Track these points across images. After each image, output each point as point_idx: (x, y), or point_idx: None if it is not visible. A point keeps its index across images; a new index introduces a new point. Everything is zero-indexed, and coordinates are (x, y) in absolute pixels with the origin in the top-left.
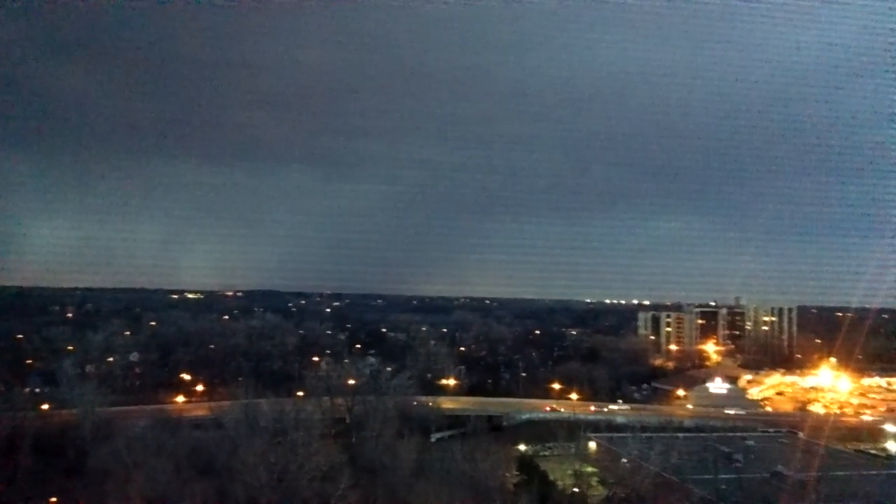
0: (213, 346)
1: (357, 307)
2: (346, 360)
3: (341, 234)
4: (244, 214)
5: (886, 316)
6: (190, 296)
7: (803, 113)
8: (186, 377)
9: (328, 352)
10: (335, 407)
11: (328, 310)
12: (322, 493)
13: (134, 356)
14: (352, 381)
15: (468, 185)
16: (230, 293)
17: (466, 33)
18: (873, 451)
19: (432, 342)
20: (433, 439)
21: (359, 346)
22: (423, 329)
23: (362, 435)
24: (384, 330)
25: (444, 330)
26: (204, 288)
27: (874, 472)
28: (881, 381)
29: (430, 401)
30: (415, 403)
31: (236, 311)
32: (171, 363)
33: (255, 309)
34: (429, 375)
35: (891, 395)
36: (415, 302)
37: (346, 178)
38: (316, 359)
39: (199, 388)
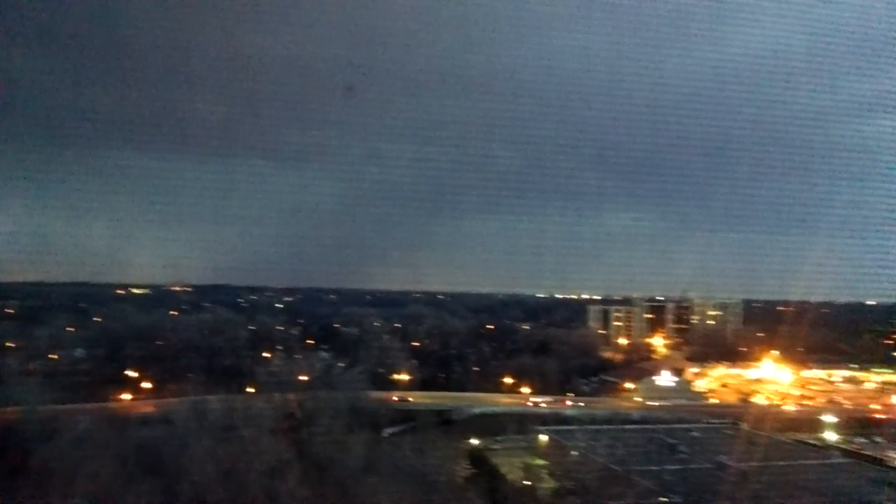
0: (161, 342)
1: (310, 302)
2: (297, 356)
3: (295, 227)
4: (193, 207)
5: (827, 310)
6: (136, 291)
7: (751, 110)
8: (134, 374)
9: (280, 347)
10: (286, 402)
11: (280, 305)
12: (271, 490)
13: (79, 352)
14: (303, 377)
15: (423, 180)
16: (179, 288)
17: (423, 27)
18: (812, 441)
19: (385, 337)
20: (385, 434)
21: (311, 340)
22: (377, 324)
23: (313, 430)
24: (337, 325)
25: (398, 324)
26: (151, 282)
27: (813, 462)
28: (821, 373)
29: (382, 395)
30: (367, 398)
31: (185, 306)
32: (118, 359)
33: (205, 304)
34: (381, 370)
35: (829, 387)
36: (368, 297)
37: (300, 171)
38: (267, 354)
39: (147, 384)
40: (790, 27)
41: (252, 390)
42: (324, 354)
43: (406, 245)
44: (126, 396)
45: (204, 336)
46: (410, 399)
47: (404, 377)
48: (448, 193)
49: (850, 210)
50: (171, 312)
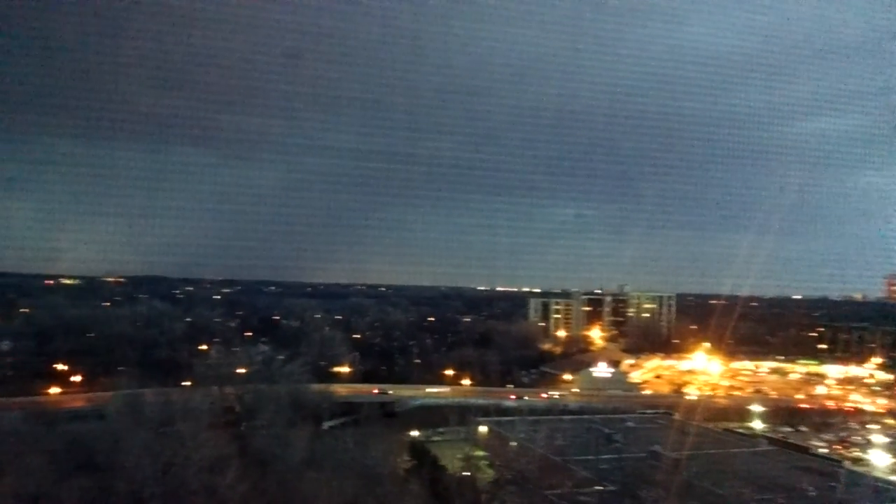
0: (93, 335)
1: (249, 294)
2: (236, 348)
3: (234, 218)
4: (127, 195)
5: (755, 304)
6: (66, 281)
7: (687, 112)
8: (64, 367)
9: (217, 339)
10: (224, 396)
11: (218, 297)
12: (210, 485)
13: (5, 345)
14: (242, 370)
15: (364, 171)
16: (112, 279)
17: (367, 21)
18: (740, 430)
19: (326, 329)
20: (325, 427)
21: (250, 333)
22: (318, 316)
23: (252, 424)
24: (277, 317)
25: (339, 317)
26: (83, 273)
27: (741, 450)
28: (749, 364)
29: (323, 388)
30: (307, 391)
31: (119, 298)
32: (47, 352)
33: (140, 295)
34: (322, 362)
35: (757, 378)
36: (309, 288)
37: (239, 160)
38: (204, 347)
39: (78, 378)
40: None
41: (189, 384)
42: (263, 347)
43: (348, 237)
44: (56, 390)
45: (138, 328)
46: (352, 391)
47: (346, 369)
48: (391, 186)
49: (777, 209)
50: (104, 304)
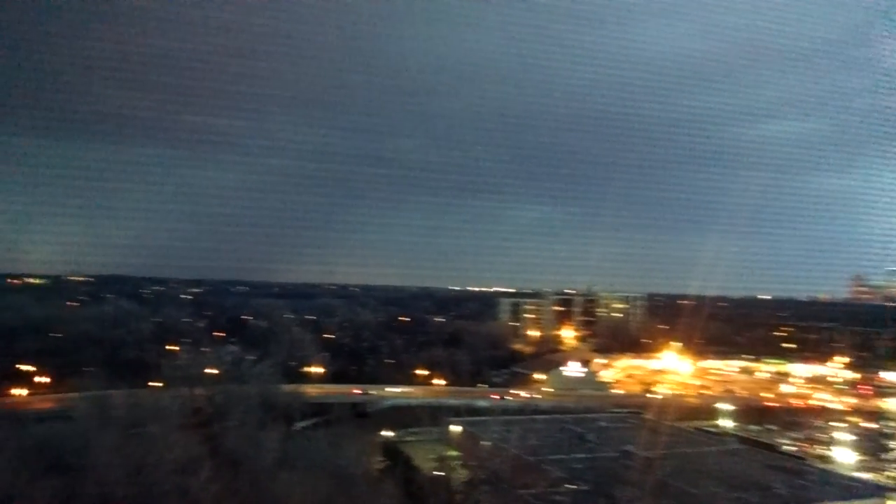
0: (59, 335)
1: (217, 294)
2: (205, 349)
3: (201, 217)
4: (93, 195)
5: (728, 303)
6: (32, 281)
7: (652, 115)
8: (30, 368)
9: (186, 340)
10: (194, 397)
11: (186, 296)
12: (181, 487)
13: None
14: (212, 370)
15: (333, 171)
16: (78, 278)
17: (331, 17)
18: (710, 429)
19: (296, 329)
20: (297, 428)
21: (219, 333)
22: (287, 316)
23: (223, 425)
24: (246, 317)
25: (309, 317)
26: (48, 272)
27: (711, 448)
28: (718, 364)
29: (293, 389)
30: (278, 392)
31: (85, 298)
32: (12, 353)
33: (107, 295)
34: (293, 363)
35: (726, 377)
36: (278, 289)
37: (207, 159)
38: (173, 347)
39: (45, 379)
40: (687, 35)
41: (158, 384)
42: (233, 347)
43: (318, 237)
44: (22, 392)
45: (106, 328)
46: (323, 392)
47: (316, 370)
48: (361, 186)
49: (743, 211)
50: (71, 303)
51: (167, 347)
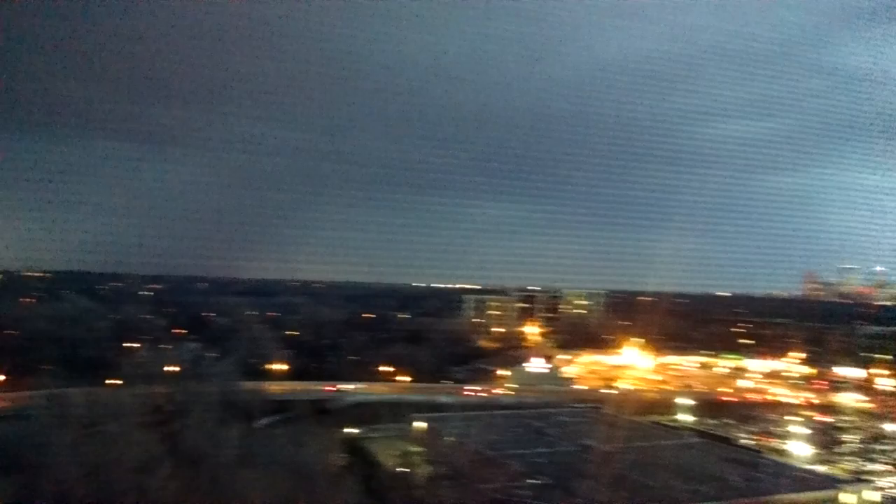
0: (13, 332)
1: (178, 290)
2: (165, 346)
3: (162, 212)
4: (48, 189)
5: (687, 300)
6: None
7: (611, 111)
8: None
9: (146, 337)
10: (153, 395)
11: (146, 293)
12: (140, 486)
13: None
14: (172, 368)
15: (296, 166)
16: (34, 274)
17: (293, 14)
18: (669, 423)
19: (258, 326)
20: (258, 425)
21: (179, 330)
22: (249, 313)
23: (183, 423)
24: (207, 314)
25: (271, 313)
26: (2, 268)
27: (669, 442)
28: (676, 359)
29: (255, 386)
30: (239, 389)
31: (41, 294)
32: None
33: (63, 291)
34: (254, 360)
35: (684, 372)
36: (240, 285)
37: (168, 154)
38: (132, 345)
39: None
40: (645, 37)
41: (116, 382)
42: (193, 345)
43: (280, 234)
44: None
45: (62, 325)
46: (284, 389)
47: (278, 367)
48: (324, 183)
49: (702, 208)
50: (25, 300)
51: (126, 345)
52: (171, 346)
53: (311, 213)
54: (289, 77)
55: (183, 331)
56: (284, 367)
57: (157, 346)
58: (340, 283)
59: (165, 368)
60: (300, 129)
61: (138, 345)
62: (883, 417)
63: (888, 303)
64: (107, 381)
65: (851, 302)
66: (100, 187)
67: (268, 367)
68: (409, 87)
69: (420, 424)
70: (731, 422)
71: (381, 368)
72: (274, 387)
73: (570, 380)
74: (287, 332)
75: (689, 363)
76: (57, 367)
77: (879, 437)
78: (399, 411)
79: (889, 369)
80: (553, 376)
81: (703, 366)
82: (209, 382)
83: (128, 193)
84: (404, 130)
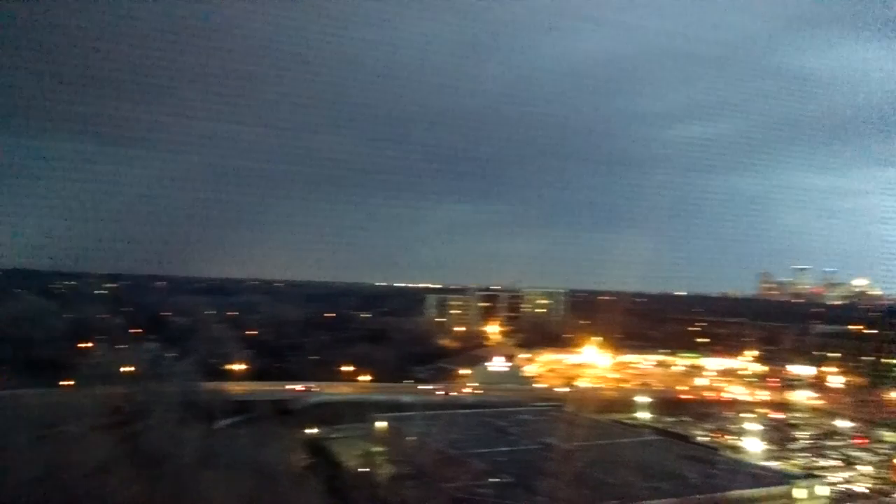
0: None
1: (135, 289)
2: (122, 346)
3: (118, 209)
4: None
5: (645, 299)
6: None
7: (572, 115)
8: None
9: (102, 337)
10: (111, 396)
11: (102, 292)
12: (96, 489)
13: None
14: (129, 368)
15: (257, 165)
16: None
17: (247, 11)
18: (628, 421)
19: (218, 326)
20: (219, 426)
21: (137, 330)
22: (209, 312)
23: (142, 424)
24: (165, 313)
25: (231, 313)
26: None
27: (628, 440)
28: (635, 358)
29: (215, 387)
30: (199, 390)
31: None
32: None
33: (14, 290)
34: (214, 360)
35: (643, 370)
36: (200, 284)
37: (125, 152)
38: (88, 345)
39: None
40: (603, 42)
41: (71, 383)
42: (152, 344)
43: (240, 232)
44: None
45: (15, 325)
46: (245, 389)
47: (239, 367)
48: (284, 182)
49: (661, 210)
50: None
51: (82, 345)
52: (129, 346)
53: (271, 213)
54: (245, 76)
55: (141, 330)
56: (245, 367)
57: (114, 346)
58: (301, 282)
59: (123, 369)
60: (260, 128)
61: (95, 345)
62: (834, 414)
63: (839, 302)
64: (63, 383)
65: (804, 301)
66: (55, 185)
67: (228, 367)
68: (368, 88)
69: (382, 424)
70: (688, 419)
71: (343, 368)
72: (235, 387)
73: (531, 378)
74: (248, 332)
75: (647, 361)
76: (9, 368)
77: (830, 434)
78: (361, 411)
79: (839, 367)
80: (514, 375)
81: (661, 364)
82: (168, 383)
83: (83, 191)
84: (368, 131)
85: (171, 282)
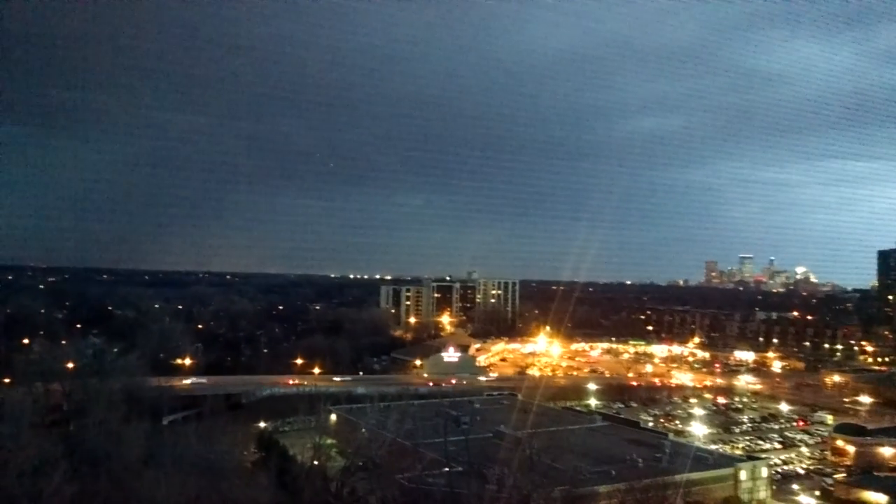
0: None
1: (78, 283)
2: (63, 341)
3: (60, 201)
4: None
5: (592, 289)
6: None
7: (526, 109)
8: None
9: (42, 332)
10: (50, 393)
11: (42, 286)
12: (33, 490)
13: None
14: (71, 364)
15: (210, 154)
16: None
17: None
18: (578, 408)
19: (166, 319)
20: (165, 422)
21: (80, 324)
22: (156, 305)
23: (83, 422)
24: (111, 307)
25: (180, 306)
26: None
27: (578, 426)
28: (586, 346)
29: (162, 381)
30: (145, 385)
31: None
32: None
33: None
34: (162, 354)
35: (592, 358)
36: (146, 276)
37: (69, 138)
38: (27, 340)
39: None
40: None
41: (8, 380)
42: (95, 339)
43: (190, 223)
44: None
45: None
46: (194, 384)
47: (188, 361)
48: (237, 172)
49: (611, 201)
50: None
51: (19, 341)
52: (70, 342)
53: (223, 203)
54: (198, 63)
55: (83, 325)
56: (195, 361)
57: (54, 341)
58: (255, 273)
59: (63, 365)
60: (218, 115)
61: (33, 340)
62: (775, 398)
63: (780, 290)
64: None
65: (747, 289)
66: None
67: (177, 361)
68: (325, 77)
69: (335, 416)
70: (635, 405)
71: (298, 360)
72: (184, 381)
73: (485, 368)
74: (198, 325)
75: (597, 349)
76: None
77: (770, 417)
78: (314, 403)
79: (780, 352)
80: (468, 365)
81: (611, 352)
82: (112, 379)
83: (21, 180)
84: (321, 121)
85: (117, 275)
